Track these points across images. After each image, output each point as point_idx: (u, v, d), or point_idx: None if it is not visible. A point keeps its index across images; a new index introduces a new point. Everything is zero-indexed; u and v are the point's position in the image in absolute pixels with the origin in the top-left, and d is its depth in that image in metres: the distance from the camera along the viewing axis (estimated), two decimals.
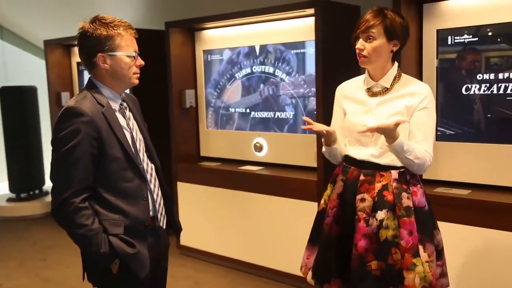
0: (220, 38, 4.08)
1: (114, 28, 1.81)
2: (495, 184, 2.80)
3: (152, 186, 1.92)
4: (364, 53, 1.99)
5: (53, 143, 1.78)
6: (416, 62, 2.96)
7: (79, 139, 1.72)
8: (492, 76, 2.74)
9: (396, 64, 2.08)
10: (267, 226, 3.67)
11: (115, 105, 1.88)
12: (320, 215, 2.20)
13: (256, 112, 3.93)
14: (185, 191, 4.18)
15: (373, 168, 2.03)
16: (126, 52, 1.84)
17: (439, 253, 2.09)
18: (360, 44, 2.00)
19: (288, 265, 3.57)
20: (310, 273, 2.19)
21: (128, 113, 1.94)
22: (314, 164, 3.43)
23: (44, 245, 4.63)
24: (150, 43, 4.41)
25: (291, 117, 3.73)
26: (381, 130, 1.91)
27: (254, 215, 3.75)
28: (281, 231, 3.59)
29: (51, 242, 4.69)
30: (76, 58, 5.50)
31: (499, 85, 2.71)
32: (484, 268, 2.66)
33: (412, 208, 1.97)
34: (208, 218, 4.05)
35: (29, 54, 6.63)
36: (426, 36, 2.93)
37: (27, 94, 5.66)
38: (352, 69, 3.52)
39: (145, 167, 1.91)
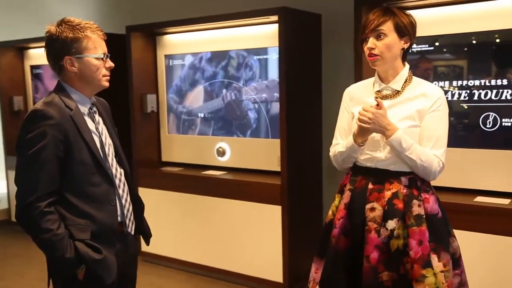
0: (182, 43, 4.07)
1: (81, 30, 1.79)
2: None
3: (120, 191, 1.90)
4: (376, 51, 1.89)
5: (18, 146, 1.74)
6: None
7: (45, 142, 1.69)
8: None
9: (407, 65, 1.99)
10: (231, 231, 3.69)
11: (84, 109, 1.86)
12: (327, 227, 2.08)
13: (219, 117, 3.95)
14: (147, 196, 4.08)
15: (382, 175, 1.94)
16: (94, 54, 1.82)
17: (457, 262, 1.99)
18: (370, 43, 1.89)
19: (251, 268, 3.59)
20: (317, 287, 2.08)
21: (97, 117, 1.91)
22: (277, 168, 3.48)
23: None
24: (110, 46, 4.36)
25: (253, 122, 3.76)
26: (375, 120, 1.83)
27: (217, 220, 3.75)
28: (245, 235, 3.62)
29: (3, 252, 4.52)
30: (29, 61, 5.34)
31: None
32: None
33: (424, 216, 1.88)
34: (170, 224, 4.02)
35: None
36: None
37: None
38: (313, 75, 3.62)
39: (114, 172, 1.89)
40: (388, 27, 1.88)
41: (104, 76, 1.87)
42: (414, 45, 2.88)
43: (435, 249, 1.87)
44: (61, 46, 1.78)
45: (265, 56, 3.64)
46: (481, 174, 2.84)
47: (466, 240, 2.68)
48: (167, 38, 4.15)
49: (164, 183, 4.03)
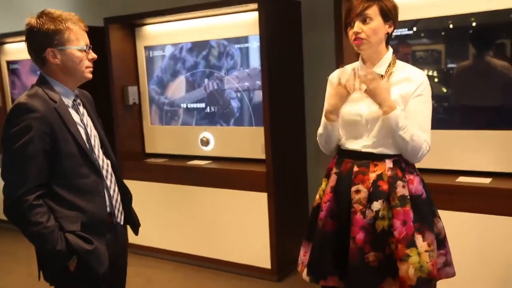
0: (162, 34, 4.05)
1: (62, 22, 1.78)
2: None
3: (108, 182, 1.90)
4: (362, 35, 1.88)
5: (3, 140, 1.73)
6: None
7: (31, 136, 1.69)
8: None
9: (391, 49, 2.00)
10: (218, 219, 3.71)
11: (68, 101, 1.85)
12: (315, 211, 2.11)
13: (201, 107, 3.95)
14: (132, 188, 4.01)
15: (367, 158, 1.95)
16: (76, 46, 1.81)
17: (441, 242, 2.02)
18: (356, 27, 1.89)
19: (239, 255, 3.63)
20: (305, 270, 2.09)
21: (81, 109, 1.91)
22: (262, 156, 3.50)
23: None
24: (90, 39, 4.31)
25: (236, 110, 3.78)
26: (370, 88, 1.85)
27: (204, 209, 3.77)
28: (232, 223, 3.64)
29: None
30: (5, 56, 5.25)
31: None
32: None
33: (408, 197, 1.90)
34: (156, 215, 4.02)
35: None
36: None
37: None
38: (294, 63, 3.64)
39: (101, 163, 1.89)
40: (373, 11, 1.89)
41: (87, 67, 1.86)
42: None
43: (419, 229, 1.90)
44: (43, 39, 1.77)
45: (246, 45, 3.65)
46: (462, 155, 2.91)
47: (449, 220, 2.74)
48: (146, 29, 4.12)
49: (149, 175, 4.03)
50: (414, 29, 2.94)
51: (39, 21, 1.77)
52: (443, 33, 2.88)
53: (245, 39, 3.64)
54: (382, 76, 1.97)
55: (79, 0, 4.94)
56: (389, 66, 1.98)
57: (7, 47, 5.16)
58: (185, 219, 3.88)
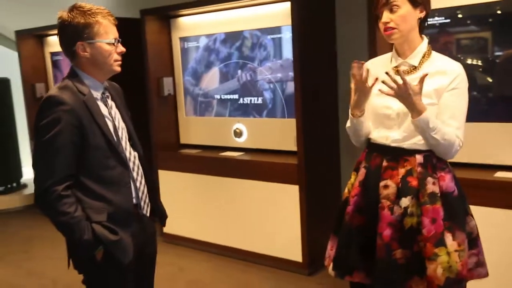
0: (196, 25, 4.07)
1: (92, 15, 1.80)
2: None
3: (135, 174, 1.93)
4: (392, 24, 1.83)
5: (34, 132, 1.78)
6: None
7: (60, 128, 1.73)
8: None
9: (426, 39, 1.92)
10: (249, 211, 3.72)
11: (96, 94, 1.88)
12: (343, 204, 2.07)
13: (235, 98, 3.95)
14: (166, 179, 4.19)
15: (397, 153, 1.90)
16: (106, 39, 1.83)
17: (474, 241, 1.94)
18: (385, 17, 1.84)
19: (270, 248, 3.63)
20: (331, 264, 2.06)
21: (110, 102, 1.94)
22: (294, 148, 3.48)
23: (25, 237, 4.59)
24: (125, 31, 4.37)
25: (269, 102, 3.76)
26: (401, 94, 1.77)
27: (235, 200, 3.79)
28: (262, 215, 3.64)
29: (32, 234, 4.66)
30: (49, 48, 5.41)
31: None
32: None
33: (439, 194, 1.85)
34: (190, 205, 4.07)
35: (0, 46, 6.48)
36: None
37: (0, 85, 5.56)
38: (328, 53, 3.59)
39: (128, 155, 1.92)
40: None
41: (115, 61, 1.88)
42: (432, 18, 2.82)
43: (449, 228, 1.84)
44: (73, 32, 1.80)
45: (278, 35, 3.62)
46: (500, 149, 2.80)
47: (486, 217, 2.65)
48: (181, 21, 4.15)
49: (183, 165, 4.08)
50: (460, 15, 2.82)
51: (70, 15, 1.80)
52: (490, 20, 2.74)
53: (278, 30, 3.60)
54: (415, 67, 1.90)
55: None
56: (423, 57, 1.90)
57: (50, 39, 5.31)
58: (218, 210, 3.91)
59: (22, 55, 5.37)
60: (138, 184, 1.94)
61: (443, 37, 2.87)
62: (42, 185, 1.74)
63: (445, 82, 1.85)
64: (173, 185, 4.16)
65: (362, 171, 2.00)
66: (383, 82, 1.79)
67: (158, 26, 4.14)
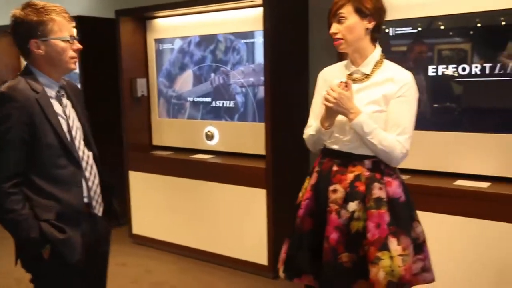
0: (171, 27, 4.07)
1: (46, 13, 1.80)
2: None
3: (87, 173, 1.93)
4: (339, 35, 1.89)
5: None
6: None
7: (9, 125, 1.72)
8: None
9: (378, 48, 1.97)
10: (218, 214, 3.72)
11: (51, 92, 1.88)
12: (296, 209, 2.11)
13: (207, 101, 3.96)
14: (137, 180, 4.18)
15: (346, 158, 1.94)
16: (60, 37, 1.83)
17: (420, 247, 1.98)
18: (333, 28, 1.91)
19: (237, 250, 3.64)
20: (282, 267, 2.10)
21: (65, 101, 1.93)
22: (264, 152, 3.49)
23: None
24: (101, 31, 4.38)
25: (241, 106, 3.77)
26: (331, 104, 1.86)
27: (205, 203, 3.79)
28: (232, 218, 3.65)
29: (1, 234, 4.60)
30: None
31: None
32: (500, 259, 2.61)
33: (385, 199, 1.88)
34: (160, 207, 4.06)
35: None
36: None
37: None
38: (300, 59, 3.61)
39: (81, 155, 1.91)
40: (347, 9, 1.88)
41: (71, 58, 1.88)
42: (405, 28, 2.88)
43: (395, 233, 1.87)
44: (27, 30, 1.80)
45: (252, 40, 3.64)
46: (461, 158, 2.84)
47: (445, 223, 2.70)
48: (157, 22, 4.15)
49: (153, 167, 4.07)
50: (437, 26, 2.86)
51: (22, 13, 1.80)
52: (468, 31, 2.78)
53: (251, 34, 3.63)
54: (367, 75, 1.94)
55: None
56: (375, 65, 1.95)
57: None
58: (187, 212, 3.90)
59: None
60: (90, 184, 1.94)
61: (417, 46, 2.91)
62: None
63: (393, 89, 1.89)
64: (144, 186, 4.15)
65: (314, 175, 2.04)
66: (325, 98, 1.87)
67: (133, 27, 4.14)
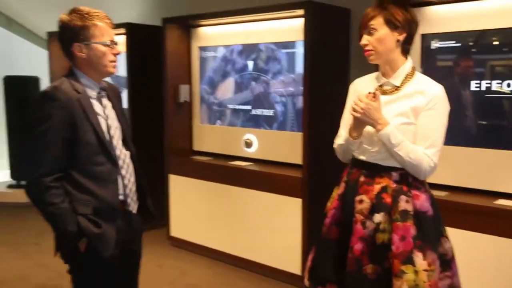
0: (215, 35, 4.17)
1: (89, 18, 1.91)
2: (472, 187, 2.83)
3: (123, 172, 2.01)
4: (369, 47, 1.90)
5: (28, 125, 1.88)
6: None
7: (51, 123, 1.83)
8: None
9: (409, 60, 1.96)
10: (253, 221, 3.76)
11: (92, 93, 1.98)
12: (323, 217, 2.12)
13: (247, 109, 4.01)
14: (177, 183, 4.28)
15: (374, 169, 1.95)
16: (101, 41, 1.93)
17: (447, 263, 1.94)
18: (363, 39, 1.92)
19: (270, 258, 3.65)
20: (307, 275, 2.11)
21: (105, 101, 2.03)
22: (301, 162, 3.50)
23: (39, 230, 4.73)
24: (148, 38, 4.53)
25: (280, 115, 3.80)
26: (358, 115, 1.87)
27: (241, 209, 3.83)
28: (266, 226, 3.67)
29: (44, 228, 4.79)
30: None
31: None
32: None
33: (411, 212, 1.86)
34: (197, 211, 4.14)
35: (34, 45, 6.75)
36: None
37: (29, 83, 5.78)
38: (340, 70, 3.61)
39: (118, 153, 2.00)
40: (378, 21, 1.89)
41: (111, 61, 1.97)
42: (449, 42, 2.84)
43: (420, 247, 1.85)
44: (71, 34, 1.91)
45: (293, 50, 3.67)
46: (504, 176, 2.76)
47: (485, 244, 2.62)
48: (201, 31, 4.26)
49: (193, 172, 4.15)
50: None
51: (68, 18, 1.91)
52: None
53: (292, 44, 3.66)
54: (397, 87, 1.94)
55: (147, 1, 5.18)
56: (406, 77, 1.94)
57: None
58: (223, 217, 3.96)
59: (52, 54, 5.38)
60: (126, 182, 2.01)
61: (463, 60, 2.85)
62: (32, 176, 1.84)
63: (422, 102, 1.88)
64: (183, 190, 4.24)
65: (342, 185, 2.05)
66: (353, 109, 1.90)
67: (178, 34, 4.26)
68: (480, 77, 2.78)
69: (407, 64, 1.95)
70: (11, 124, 5.84)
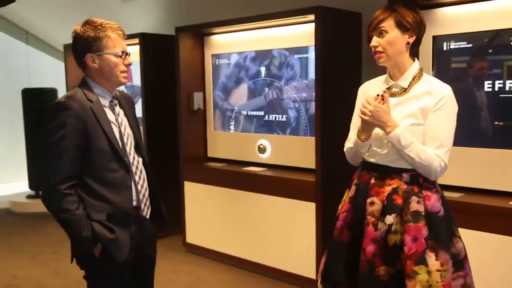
0: (228, 42, 4.21)
1: (102, 30, 1.95)
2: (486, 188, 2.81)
3: (137, 178, 2.04)
4: (379, 48, 1.90)
5: (42, 134, 1.93)
6: None
7: (65, 132, 1.87)
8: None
9: (417, 62, 1.97)
10: (268, 226, 3.76)
11: (105, 102, 2.02)
12: (335, 221, 2.12)
13: (261, 115, 4.04)
14: (192, 190, 4.31)
15: (384, 171, 1.95)
16: (113, 52, 1.97)
17: (460, 263, 1.93)
18: (374, 41, 1.91)
19: (285, 263, 3.65)
20: (320, 278, 2.12)
21: (118, 109, 2.07)
22: (314, 166, 3.51)
23: (57, 239, 4.80)
24: (162, 47, 4.60)
25: (293, 120, 3.82)
26: (367, 117, 1.87)
27: (256, 215, 3.84)
28: (281, 231, 3.68)
29: (63, 236, 4.86)
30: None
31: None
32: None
33: (423, 213, 1.86)
34: (213, 217, 4.16)
35: (51, 58, 6.89)
36: None
37: (47, 95, 5.89)
38: (352, 74, 3.61)
39: (131, 160, 2.03)
40: (388, 23, 1.89)
41: (122, 72, 2.01)
42: (461, 43, 2.83)
43: (433, 247, 1.84)
44: (84, 44, 1.96)
45: (305, 55, 3.69)
46: None
47: (499, 244, 2.60)
48: (214, 38, 4.30)
49: (208, 178, 4.18)
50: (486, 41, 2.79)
51: (82, 29, 1.96)
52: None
53: (305, 50, 3.68)
54: (405, 89, 1.94)
55: (160, 11, 5.25)
56: (413, 79, 1.94)
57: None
58: (238, 223, 3.97)
59: (68, 66, 5.52)
60: (139, 188, 2.05)
61: (476, 62, 2.83)
62: (47, 184, 1.88)
63: (431, 102, 1.88)
64: (198, 196, 4.27)
65: (353, 188, 2.05)
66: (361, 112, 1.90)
67: (191, 43, 4.31)
68: (494, 77, 2.76)
69: (415, 65, 1.95)
70: (30, 136, 5.96)
